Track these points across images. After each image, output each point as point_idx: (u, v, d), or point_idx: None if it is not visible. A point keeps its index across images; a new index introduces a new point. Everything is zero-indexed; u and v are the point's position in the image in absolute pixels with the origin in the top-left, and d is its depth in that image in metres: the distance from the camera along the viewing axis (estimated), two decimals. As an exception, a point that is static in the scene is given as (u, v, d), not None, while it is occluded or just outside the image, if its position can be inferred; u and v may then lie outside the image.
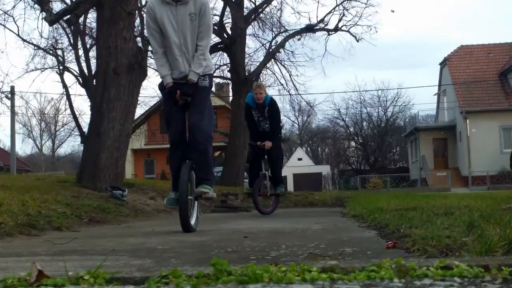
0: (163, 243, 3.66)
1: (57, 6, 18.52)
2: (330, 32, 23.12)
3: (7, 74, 41.44)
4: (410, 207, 5.44)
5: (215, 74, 23.63)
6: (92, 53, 22.02)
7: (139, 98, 12.22)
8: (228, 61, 22.28)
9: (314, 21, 22.81)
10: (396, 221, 3.89)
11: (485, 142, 32.27)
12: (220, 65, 23.83)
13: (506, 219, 3.19)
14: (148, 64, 11.16)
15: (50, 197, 6.96)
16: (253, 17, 22.11)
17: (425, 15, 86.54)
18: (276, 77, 24.57)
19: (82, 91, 27.15)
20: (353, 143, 53.24)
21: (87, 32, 22.31)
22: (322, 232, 4.27)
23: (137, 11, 10.68)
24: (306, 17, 44.03)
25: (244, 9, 21.57)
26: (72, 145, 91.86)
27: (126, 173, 24.50)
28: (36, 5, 16.38)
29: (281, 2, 23.00)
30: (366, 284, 1.52)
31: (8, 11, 19.37)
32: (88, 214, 6.60)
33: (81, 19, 18.56)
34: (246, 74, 20.99)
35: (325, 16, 22.85)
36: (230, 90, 25.51)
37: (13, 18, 24.93)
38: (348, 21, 22.90)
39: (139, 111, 30.44)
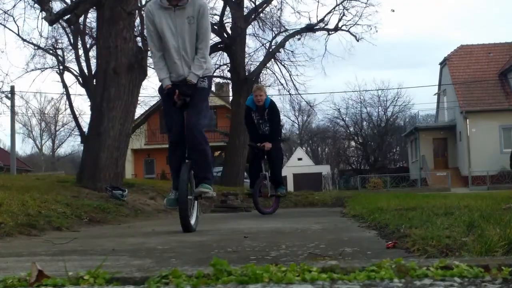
0: (163, 243, 3.66)
1: (57, 6, 18.54)
2: (330, 32, 23.13)
3: (7, 74, 41.40)
4: (410, 207, 5.45)
5: (215, 74, 23.64)
6: (92, 53, 22.06)
7: (139, 98, 12.23)
8: (228, 60, 22.28)
9: (314, 20, 22.84)
10: (396, 221, 3.89)
11: (485, 142, 32.27)
12: (220, 65, 23.86)
13: (506, 219, 3.19)
14: (148, 64, 11.15)
15: (50, 197, 6.95)
16: (253, 16, 22.11)
17: (425, 15, 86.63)
18: (276, 77, 24.61)
19: (82, 90, 27.18)
20: (353, 143, 53.27)
21: (87, 32, 22.33)
22: (322, 232, 4.27)
23: (137, 11, 10.66)
24: (306, 17, 44.10)
25: (244, 9, 21.57)
26: (72, 145, 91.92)
27: (126, 173, 24.50)
28: (36, 5, 16.37)
29: (281, 2, 22.99)
30: (366, 284, 1.52)
31: (8, 10, 19.40)
32: (88, 214, 6.60)
33: (81, 19, 18.58)
34: (246, 74, 20.99)
35: (325, 16, 22.88)
36: (230, 90, 25.52)
37: (13, 18, 24.93)
38: (348, 20, 22.93)
39: (139, 111, 30.48)
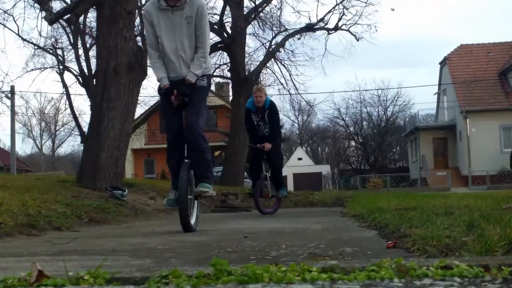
0: (163, 243, 3.66)
1: (57, 5, 18.56)
2: (330, 31, 23.13)
3: (7, 74, 41.33)
4: (410, 207, 5.45)
5: (215, 74, 23.65)
6: (92, 53, 22.06)
7: (139, 98, 12.24)
8: (228, 60, 22.29)
9: (314, 20, 22.86)
10: (396, 221, 3.89)
11: (485, 142, 32.27)
12: (220, 65, 23.87)
13: (506, 218, 3.19)
14: (148, 64, 11.15)
15: (50, 197, 6.96)
16: (253, 16, 22.11)
17: (425, 14, 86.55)
18: (276, 77, 24.62)
19: (82, 90, 27.16)
20: (353, 143, 53.27)
21: (87, 31, 22.33)
22: (322, 232, 4.27)
23: (137, 10, 10.66)
24: (306, 16, 44.01)
25: (244, 8, 21.58)
26: (72, 144, 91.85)
27: (126, 173, 24.50)
28: (36, 4, 16.36)
29: (281, 1, 22.94)
30: (366, 284, 1.52)
31: (8, 10, 19.40)
32: (88, 214, 6.60)
33: (81, 18, 18.55)
34: (246, 73, 20.99)
35: (325, 15, 22.90)
36: (230, 89, 25.52)
37: (13, 17, 24.97)
38: (348, 20, 22.94)
39: (139, 111, 30.55)
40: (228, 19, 21.37)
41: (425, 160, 36.09)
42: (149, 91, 70.25)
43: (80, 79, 24.12)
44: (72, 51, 23.81)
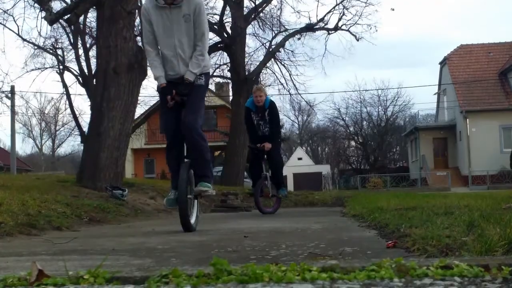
0: (163, 242, 3.66)
1: (57, 5, 18.55)
2: (330, 31, 23.13)
3: (7, 74, 41.32)
4: (410, 207, 5.45)
5: (215, 74, 23.66)
6: (92, 53, 22.08)
7: (139, 98, 12.23)
8: (228, 60, 22.29)
9: (314, 20, 22.86)
10: (396, 220, 3.89)
11: (485, 142, 32.28)
12: (220, 65, 23.88)
13: (506, 218, 3.19)
14: (148, 64, 11.16)
15: (50, 197, 6.96)
16: (253, 16, 22.11)
17: (425, 14, 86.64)
18: (276, 77, 24.62)
19: (82, 90, 27.18)
20: (353, 143, 53.27)
21: (87, 31, 22.35)
22: (322, 231, 4.27)
23: (137, 10, 10.65)
24: (306, 17, 44.04)
25: (244, 9, 21.58)
26: (72, 144, 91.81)
27: (126, 173, 24.51)
28: (36, 4, 16.37)
29: (281, 2, 22.94)
30: (366, 283, 1.52)
31: (8, 10, 19.41)
32: (88, 214, 6.60)
33: (81, 18, 18.56)
34: (246, 73, 20.99)
35: (325, 15, 22.90)
36: (230, 89, 25.52)
37: (13, 17, 25.03)
38: (348, 20, 22.94)
39: (139, 111, 30.52)
40: (228, 19, 21.39)
41: (425, 160, 36.09)
42: (149, 91, 70.18)
43: (80, 79, 24.13)
44: (72, 51, 23.85)
